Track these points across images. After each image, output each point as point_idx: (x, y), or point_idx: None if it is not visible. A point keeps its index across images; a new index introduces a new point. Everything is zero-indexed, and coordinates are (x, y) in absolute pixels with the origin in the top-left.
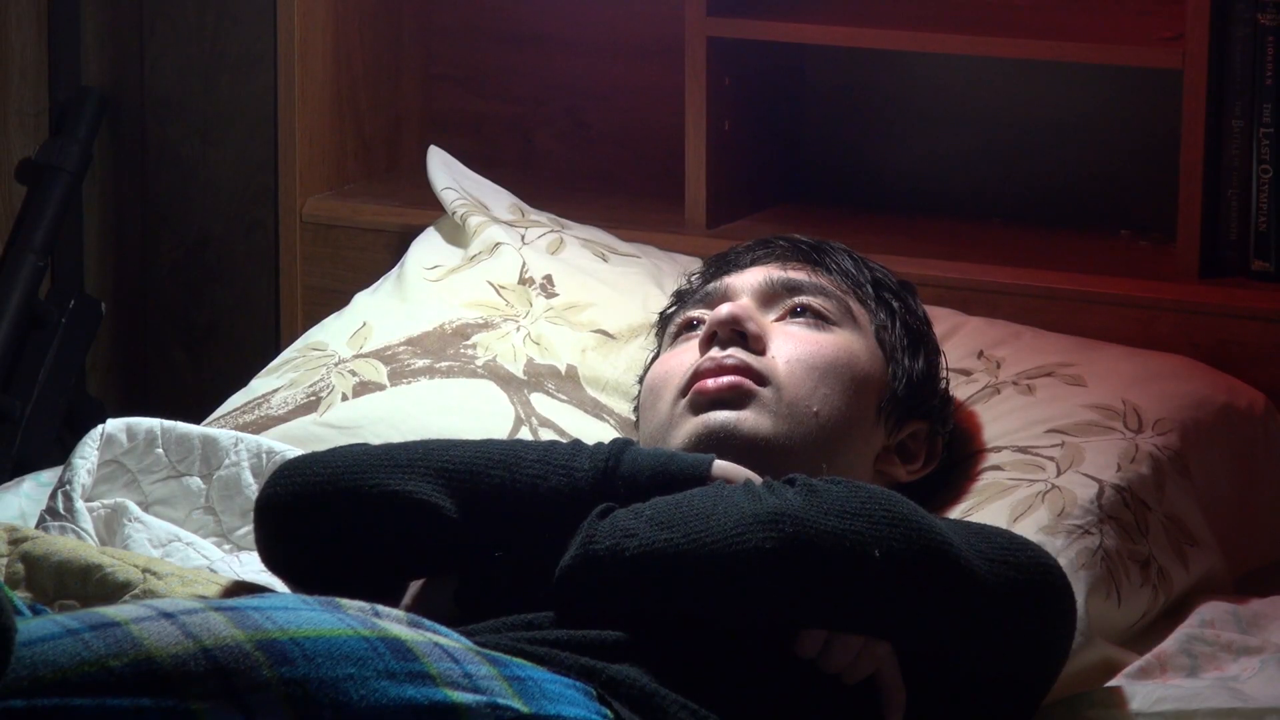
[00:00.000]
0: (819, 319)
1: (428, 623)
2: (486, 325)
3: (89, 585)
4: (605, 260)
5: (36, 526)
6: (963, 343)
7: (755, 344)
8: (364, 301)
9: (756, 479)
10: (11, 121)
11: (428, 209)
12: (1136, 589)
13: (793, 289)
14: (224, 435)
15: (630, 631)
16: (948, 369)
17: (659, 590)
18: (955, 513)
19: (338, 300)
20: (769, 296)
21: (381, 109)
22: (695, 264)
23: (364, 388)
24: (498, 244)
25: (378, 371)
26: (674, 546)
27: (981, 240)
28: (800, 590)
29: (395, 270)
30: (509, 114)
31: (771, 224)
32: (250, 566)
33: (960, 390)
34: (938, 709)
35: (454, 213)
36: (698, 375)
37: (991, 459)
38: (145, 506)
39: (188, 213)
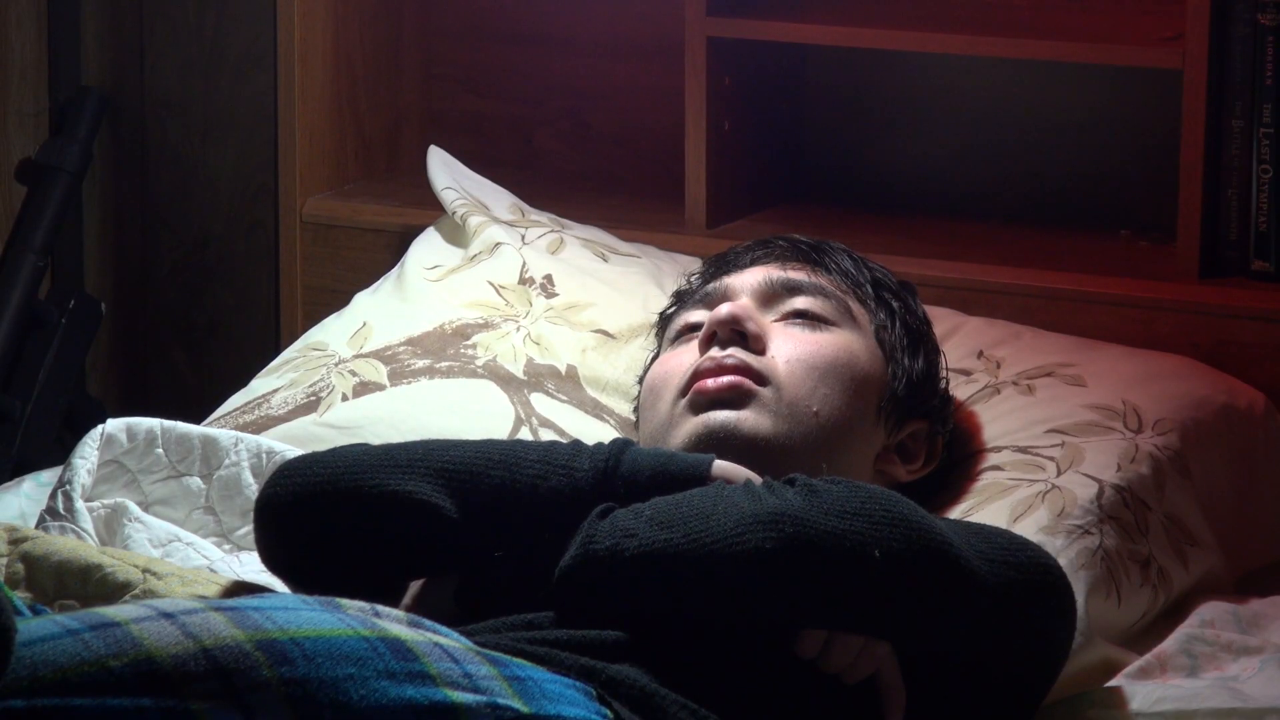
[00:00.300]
0: (818, 319)
1: (428, 623)
2: (486, 325)
3: (89, 585)
4: (605, 260)
5: (36, 526)
6: (963, 343)
7: (755, 344)
8: (364, 301)
9: (756, 479)
10: (11, 121)
11: (428, 209)
12: (1136, 589)
13: (792, 289)
14: (224, 435)
15: (630, 631)
16: (948, 369)
17: (659, 590)
18: (955, 513)
19: (338, 300)
20: (768, 297)
21: (381, 109)
22: (695, 264)
23: (364, 388)
24: (498, 244)
25: (378, 371)
26: (674, 546)
27: (981, 240)
28: (800, 590)
29: (395, 270)
30: (509, 114)
31: (771, 224)
32: (250, 566)
33: (960, 390)
34: (938, 709)
35: (454, 213)
36: (698, 375)
37: (991, 459)
38: (145, 506)
39: (188, 213)
